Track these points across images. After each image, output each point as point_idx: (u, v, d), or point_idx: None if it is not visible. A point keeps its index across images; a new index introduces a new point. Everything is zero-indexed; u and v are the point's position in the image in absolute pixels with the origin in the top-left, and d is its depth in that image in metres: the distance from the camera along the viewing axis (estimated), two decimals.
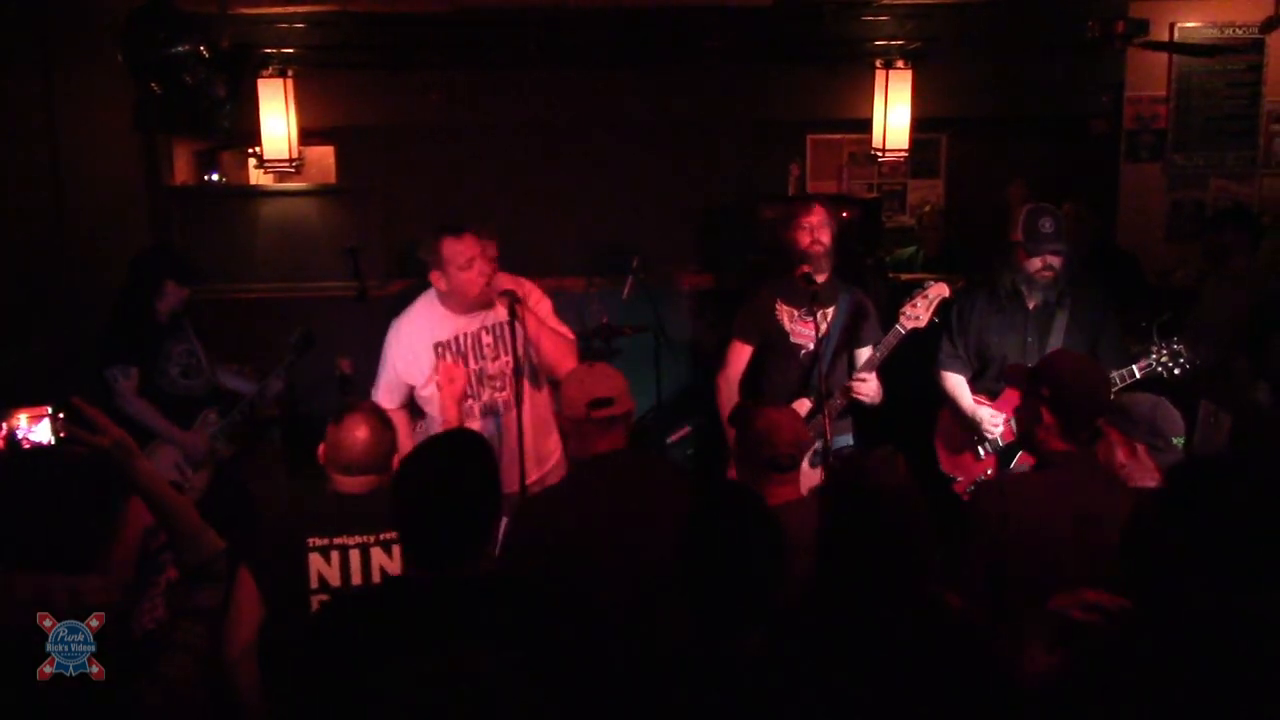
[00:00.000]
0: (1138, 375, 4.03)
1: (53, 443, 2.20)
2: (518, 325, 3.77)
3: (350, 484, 2.95)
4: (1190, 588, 2.19)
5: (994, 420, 4.27)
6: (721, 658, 2.13)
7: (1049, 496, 2.93)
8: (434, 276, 3.94)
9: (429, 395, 4.02)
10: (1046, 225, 4.16)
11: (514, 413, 3.83)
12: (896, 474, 2.39)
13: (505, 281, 3.90)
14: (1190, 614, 2.16)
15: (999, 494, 3.01)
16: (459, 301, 3.94)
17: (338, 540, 2.85)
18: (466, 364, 3.99)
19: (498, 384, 4.00)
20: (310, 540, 2.85)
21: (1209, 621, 2.13)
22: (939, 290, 4.24)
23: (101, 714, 2.06)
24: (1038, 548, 2.83)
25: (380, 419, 3.01)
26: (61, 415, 2.21)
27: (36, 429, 2.19)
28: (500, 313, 3.89)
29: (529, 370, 3.93)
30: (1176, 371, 4.01)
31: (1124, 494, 2.92)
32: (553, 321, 4.00)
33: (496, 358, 4.00)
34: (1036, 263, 4.18)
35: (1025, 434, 3.13)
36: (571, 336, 4.08)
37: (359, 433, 2.93)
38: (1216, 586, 2.16)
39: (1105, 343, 4.22)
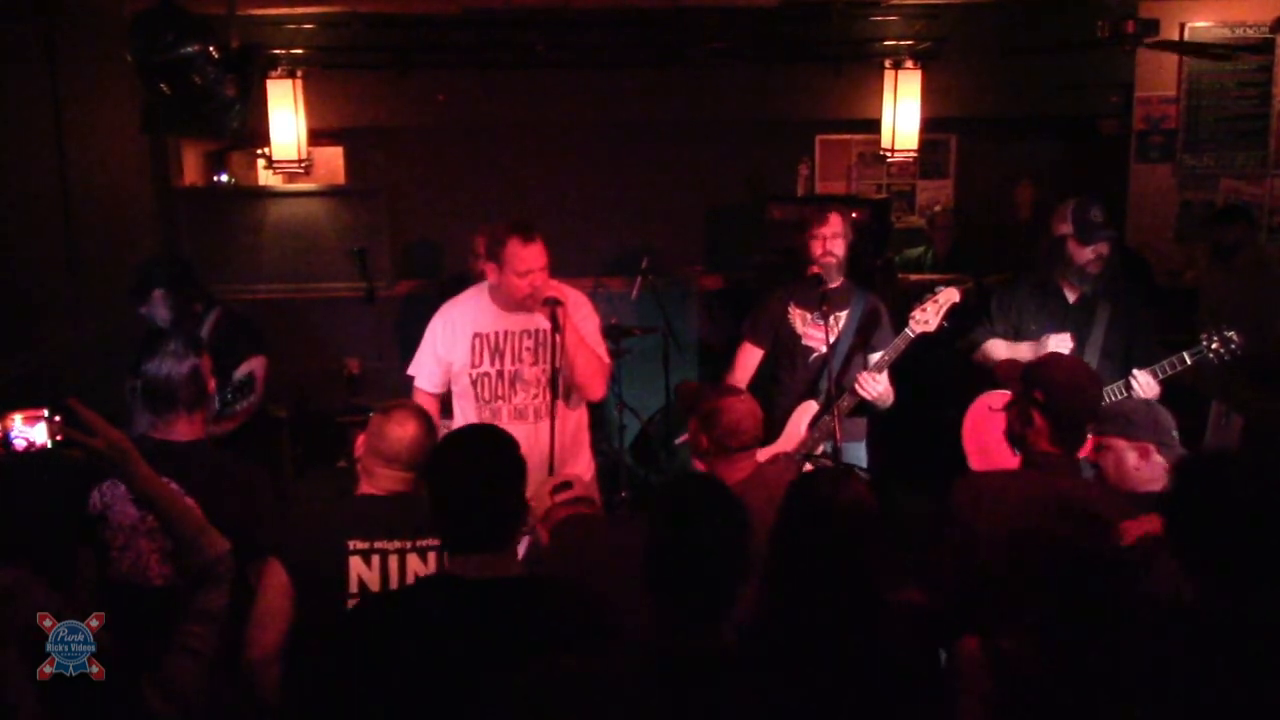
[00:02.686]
0: (1189, 362, 4.00)
1: (48, 445, 2.19)
2: (558, 336, 3.73)
3: (388, 478, 2.91)
4: (1201, 587, 2.19)
5: (1062, 344, 4.17)
6: (692, 651, 2.12)
7: (1025, 495, 2.96)
8: (489, 267, 3.90)
9: (462, 390, 3.99)
10: (1096, 214, 4.19)
11: (544, 423, 3.79)
12: (848, 490, 2.43)
13: (556, 291, 3.83)
14: (1205, 614, 2.16)
15: (974, 489, 3.06)
16: (504, 299, 3.92)
17: (378, 544, 2.78)
18: (502, 362, 3.96)
19: (532, 391, 3.96)
20: (351, 543, 2.79)
21: (1222, 621, 2.12)
22: (949, 296, 4.21)
23: (102, 714, 2.05)
24: (1006, 544, 2.87)
25: (428, 420, 2.99)
26: (58, 418, 2.19)
27: (32, 430, 2.18)
28: (545, 319, 3.86)
29: (565, 384, 3.90)
30: (1227, 358, 3.96)
31: (1101, 497, 3.00)
32: (594, 340, 3.94)
33: (535, 363, 3.95)
34: (1089, 253, 4.17)
35: (1016, 435, 3.15)
36: (608, 361, 4.01)
37: (408, 427, 2.89)
38: (1226, 585, 2.16)
39: (1140, 341, 4.22)
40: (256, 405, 4.47)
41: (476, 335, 3.97)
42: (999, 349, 4.40)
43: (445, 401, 4.15)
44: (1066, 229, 4.21)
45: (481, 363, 3.97)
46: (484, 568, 2.30)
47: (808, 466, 4.25)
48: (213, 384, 3.23)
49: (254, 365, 4.55)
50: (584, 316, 3.98)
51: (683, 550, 2.18)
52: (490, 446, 2.41)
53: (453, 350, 4.00)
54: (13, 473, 2.70)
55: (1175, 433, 3.21)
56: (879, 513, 2.47)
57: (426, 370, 4.06)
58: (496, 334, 3.97)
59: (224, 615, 2.35)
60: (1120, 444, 3.18)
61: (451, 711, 2.16)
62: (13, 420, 2.18)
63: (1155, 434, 3.17)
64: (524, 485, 2.42)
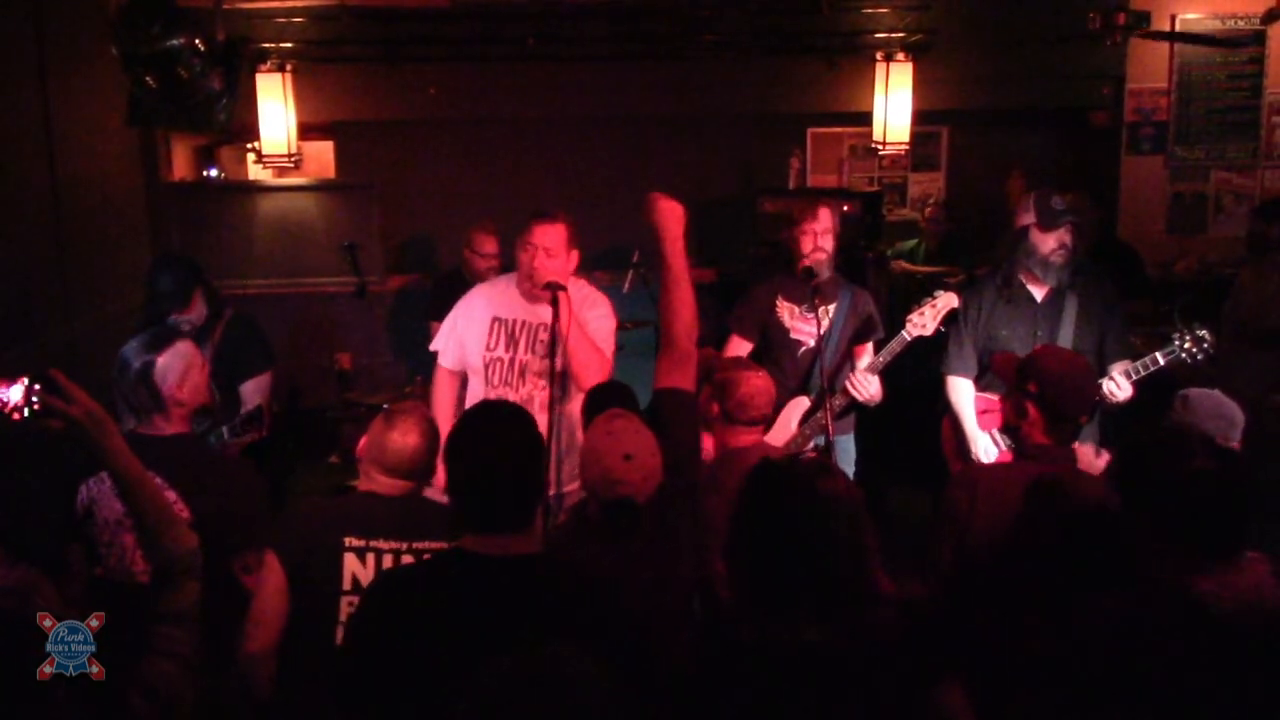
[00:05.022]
0: (1161, 362, 3.98)
1: (25, 410, 2.16)
2: (557, 324, 3.72)
3: (387, 485, 2.87)
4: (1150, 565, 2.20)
5: (988, 453, 4.19)
6: (787, 647, 2.09)
7: (1020, 488, 2.97)
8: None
9: (473, 370, 4.01)
10: (1058, 202, 4.16)
11: (546, 415, 3.78)
12: (827, 484, 2.39)
13: (561, 278, 3.82)
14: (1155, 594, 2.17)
15: (970, 483, 3.09)
16: (525, 288, 3.92)
17: (374, 543, 2.76)
18: (515, 351, 3.97)
19: (540, 383, 3.93)
20: (347, 539, 2.76)
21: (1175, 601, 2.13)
22: (948, 301, 4.21)
23: (101, 714, 2.04)
24: (1002, 535, 2.91)
25: (431, 427, 2.94)
26: (38, 386, 2.17)
27: (7, 391, 2.15)
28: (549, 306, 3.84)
29: (570, 376, 3.89)
30: (1200, 358, 3.95)
31: (1094, 488, 3.00)
32: (600, 337, 3.90)
33: (545, 357, 3.89)
34: (1051, 241, 4.13)
35: (1010, 427, 3.18)
36: (609, 359, 3.95)
37: (410, 438, 2.86)
38: (1174, 563, 2.17)
39: (1111, 335, 4.20)
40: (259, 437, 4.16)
41: (496, 319, 4.00)
42: (958, 399, 4.32)
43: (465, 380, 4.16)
44: (1029, 218, 4.18)
45: (496, 346, 3.98)
46: (500, 546, 2.26)
47: None
48: (177, 387, 3.16)
49: (263, 382, 4.39)
50: (597, 316, 3.97)
51: (795, 543, 2.13)
52: (509, 425, 2.35)
53: (469, 329, 4.03)
54: (5, 470, 2.69)
55: (1238, 427, 3.20)
56: (860, 503, 2.44)
57: (444, 346, 4.11)
58: (514, 322, 3.98)
59: (195, 613, 2.31)
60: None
61: (454, 688, 2.15)
62: None
63: (1217, 424, 3.17)
64: (544, 464, 2.39)
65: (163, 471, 2.88)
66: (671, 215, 3.11)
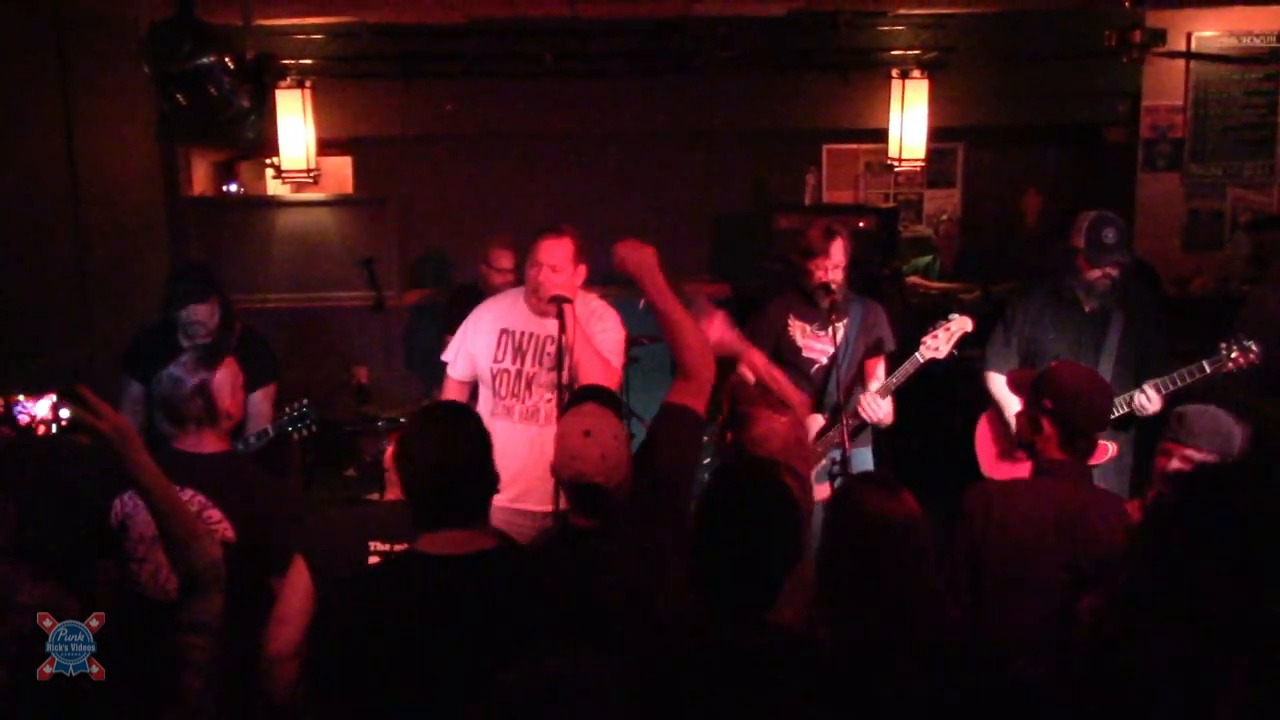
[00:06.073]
0: (1208, 370, 4.03)
1: (52, 425, 2.20)
2: (563, 336, 3.74)
3: None
4: (1210, 592, 2.19)
5: None
6: (735, 644, 2.11)
7: (1035, 502, 3.03)
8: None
9: (483, 381, 4.04)
10: (1109, 236, 4.17)
11: (554, 427, 3.80)
12: (899, 505, 2.39)
13: (570, 293, 3.84)
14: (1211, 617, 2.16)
15: (985, 496, 3.11)
16: (533, 301, 3.95)
17: (398, 547, 2.79)
18: (522, 362, 4.00)
19: (546, 395, 3.96)
20: (372, 543, 2.82)
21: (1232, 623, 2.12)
22: (962, 325, 4.23)
23: (102, 714, 2.06)
24: (1018, 549, 2.94)
25: None
26: (65, 401, 2.21)
27: (35, 404, 2.19)
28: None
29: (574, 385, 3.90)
30: (1246, 367, 4.00)
31: (1111, 504, 3.09)
32: (609, 349, 3.92)
33: (553, 369, 3.93)
34: (1096, 273, 4.20)
35: (1025, 443, 3.19)
36: (616, 369, 3.97)
37: None
38: (1235, 590, 2.16)
39: (1154, 350, 4.24)
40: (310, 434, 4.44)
41: (504, 331, 4.03)
42: (999, 390, 4.33)
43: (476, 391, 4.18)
44: (1079, 243, 4.21)
45: (503, 359, 4.00)
46: (453, 544, 2.32)
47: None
48: (229, 400, 3.20)
49: (270, 392, 4.53)
50: (605, 329, 3.99)
51: (733, 541, 2.16)
52: (450, 425, 2.43)
53: (477, 341, 4.06)
54: (37, 485, 2.72)
55: (1236, 445, 3.20)
56: (923, 529, 2.44)
57: (454, 357, 4.15)
58: (522, 334, 4.01)
59: (218, 625, 2.34)
60: (1181, 452, 3.20)
61: (421, 690, 2.18)
62: (17, 397, 2.20)
63: (1220, 445, 3.17)
64: (489, 460, 2.43)
65: (208, 489, 2.92)
66: (642, 263, 3.21)
